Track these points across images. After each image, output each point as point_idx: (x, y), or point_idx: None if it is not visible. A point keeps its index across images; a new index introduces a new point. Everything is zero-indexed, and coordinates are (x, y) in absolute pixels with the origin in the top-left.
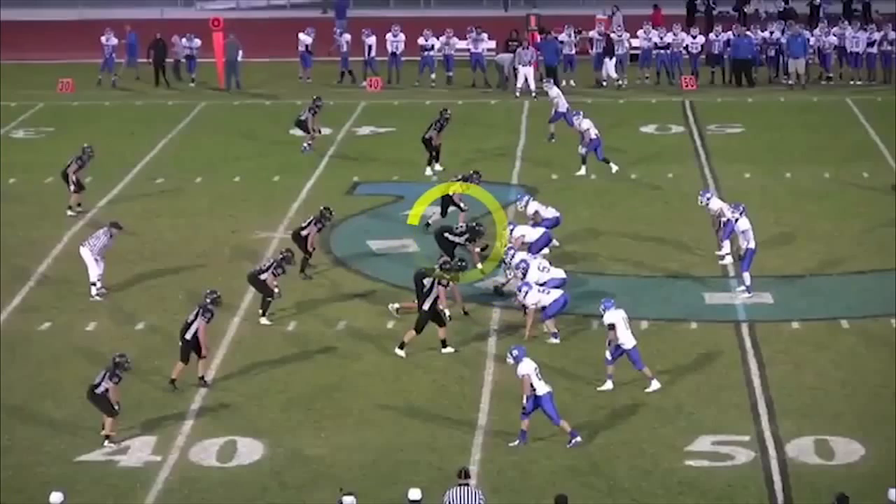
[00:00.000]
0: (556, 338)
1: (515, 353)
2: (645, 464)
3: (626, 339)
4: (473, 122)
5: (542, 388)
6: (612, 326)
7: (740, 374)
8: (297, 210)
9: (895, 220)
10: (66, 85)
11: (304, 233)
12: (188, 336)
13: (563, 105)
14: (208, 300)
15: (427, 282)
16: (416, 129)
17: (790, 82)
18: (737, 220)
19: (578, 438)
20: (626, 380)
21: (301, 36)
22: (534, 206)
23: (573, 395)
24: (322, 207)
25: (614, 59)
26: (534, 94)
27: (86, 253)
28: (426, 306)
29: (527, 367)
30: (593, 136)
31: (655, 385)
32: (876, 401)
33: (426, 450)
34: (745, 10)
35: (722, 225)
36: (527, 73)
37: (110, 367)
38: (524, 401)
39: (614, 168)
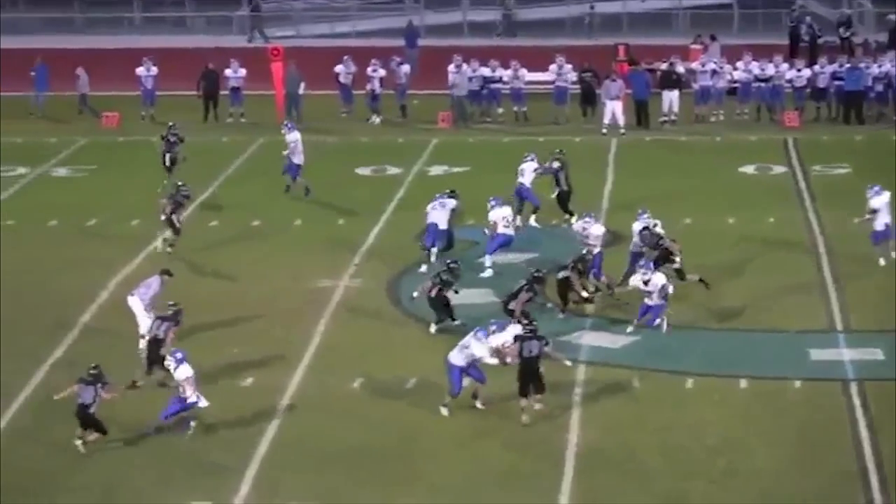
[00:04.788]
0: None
1: (494, 328)
2: None
3: None
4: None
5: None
6: None
7: (848, 439)
8: (363, 256)
9: None
10: (111, 119)
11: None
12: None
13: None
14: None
15: (534, 346)
16: (492, 167)
17: None
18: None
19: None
20: (724, 442)
21: (338, 67)
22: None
23: (664, 457)
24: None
25: (675, 93)
26: (622, 132)
27: (134, 303)
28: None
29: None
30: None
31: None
32: None
33: None
34: (853, 38)
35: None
36: (614, 108)
37: (91, 381)
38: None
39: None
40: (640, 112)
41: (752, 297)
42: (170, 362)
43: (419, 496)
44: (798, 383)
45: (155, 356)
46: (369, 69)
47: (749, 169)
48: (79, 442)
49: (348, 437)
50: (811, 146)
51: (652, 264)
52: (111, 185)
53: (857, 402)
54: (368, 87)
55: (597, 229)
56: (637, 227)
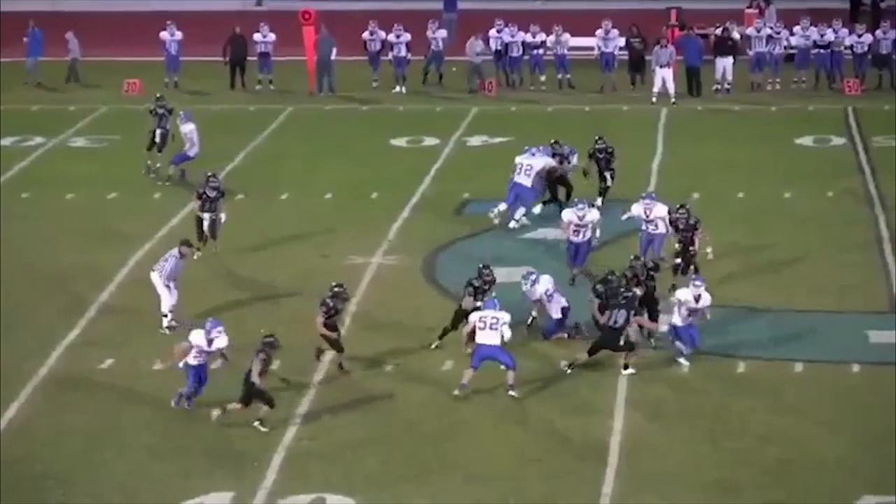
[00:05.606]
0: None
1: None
2: None
3: None
4: (603, 132)
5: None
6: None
7: None
8: (397, 232)
9: None
10: (133, 86)
11: None
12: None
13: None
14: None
15: (620, 316)
16: (534, 138)
17: None
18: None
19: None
20: (777, 429)
21: (365, 34)
22: None
23: (713, 446)
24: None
25: (729, 59)
26: (673, 101)
27: (156, 279)
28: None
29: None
30: None
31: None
32: None
33: None
34: None
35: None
36: (665, 75)
37: (257, 347)
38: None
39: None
40: (692, 80)
41: (807, 276)
42: (220, 333)
43: (455, 485)
44: (856, 367)
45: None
46: (391, 35)
47: (806, 140)
48: (259, 423)
49: (380, 422)
50: (872, 116)
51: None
52: (133, 157)
53: None
54: (392, 53)
55: (593, 214)
56: (637, 210)
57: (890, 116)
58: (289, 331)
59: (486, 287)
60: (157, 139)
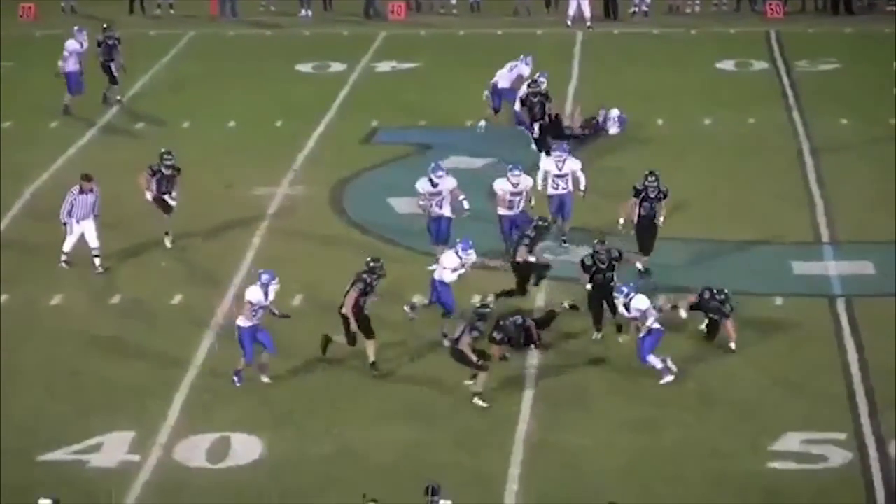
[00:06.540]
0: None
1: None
2: (720, 466)
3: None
4: (515, 56)
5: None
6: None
7: (835, 359)
8: (303, 161)
9: None
10: (28, 11)
11: None
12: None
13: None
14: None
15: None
16: (445, 64)
17: None
18: (631, 299)
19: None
20: (698, 364)
21: None
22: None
23: (634, 384)
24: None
25: None
26: (588, 24)
27: (63, 216)
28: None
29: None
30: None
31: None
32: None
33: (456, 450)
34: None
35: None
36: None
37: (471, 319)
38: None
39: None
40: (609, 3)
41: (728, 206)
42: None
43: (365, 424)
44: (779, 300)
45: None
46: None
47: (727, 65)
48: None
49: (288, 359)
50: (796, 39)
51: (634, 285)
52: (28, 84)
53: (844, 320)
54: None
55: (527, 181)
56: (547, 164)
57: (814, 40)
58: (187, 264)
59: (538, 238)
60: (114, 71)
